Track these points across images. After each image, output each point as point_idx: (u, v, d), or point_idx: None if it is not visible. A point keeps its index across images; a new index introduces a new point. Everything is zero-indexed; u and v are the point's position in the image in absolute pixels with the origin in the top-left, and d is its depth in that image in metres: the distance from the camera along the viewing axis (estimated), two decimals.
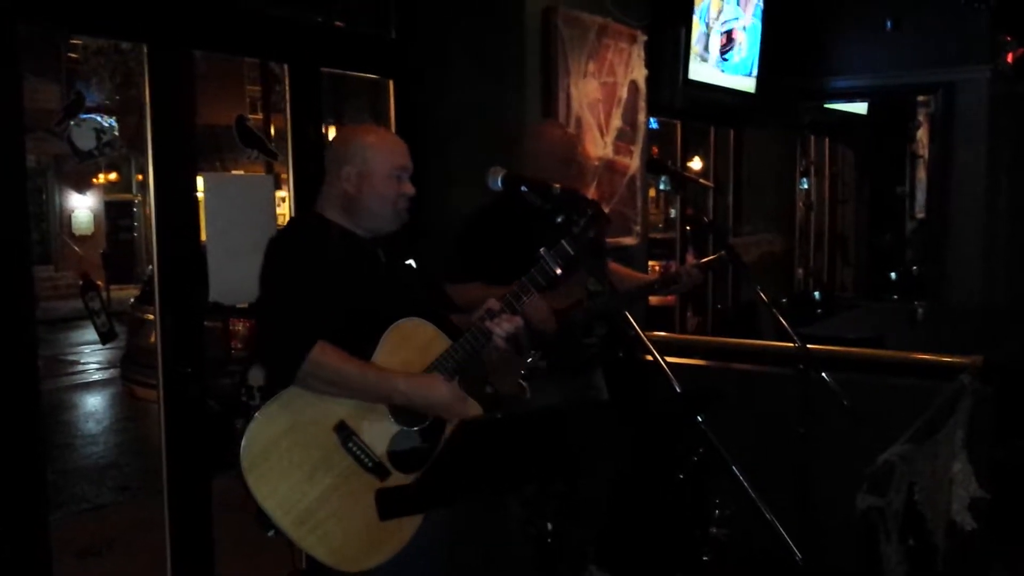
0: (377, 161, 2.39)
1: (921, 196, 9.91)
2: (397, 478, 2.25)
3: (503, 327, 2.30)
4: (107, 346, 11.33)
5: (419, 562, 2.30)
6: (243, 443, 2.18)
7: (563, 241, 2.31)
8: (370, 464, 2.24)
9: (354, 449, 2.23)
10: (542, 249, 2.32)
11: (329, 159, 2.47)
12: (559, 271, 2.33)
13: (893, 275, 9.49)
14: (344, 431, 2.23)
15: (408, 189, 2.43)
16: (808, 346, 3.13)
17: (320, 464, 2.21)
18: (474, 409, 2.33)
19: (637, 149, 5.12)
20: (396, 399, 2.26)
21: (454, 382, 2.30)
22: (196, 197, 3.47)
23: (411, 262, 2.52)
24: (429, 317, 2.37)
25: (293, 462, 2.20)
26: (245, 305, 2.45)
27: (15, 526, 2.97)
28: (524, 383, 3.11)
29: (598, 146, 4.78)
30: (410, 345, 2.32)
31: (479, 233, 3.42)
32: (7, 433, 2.95)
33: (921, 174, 9.94)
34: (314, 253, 2.33)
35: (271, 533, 2.19)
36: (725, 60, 6.31)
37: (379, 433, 2.26)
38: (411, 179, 2.47)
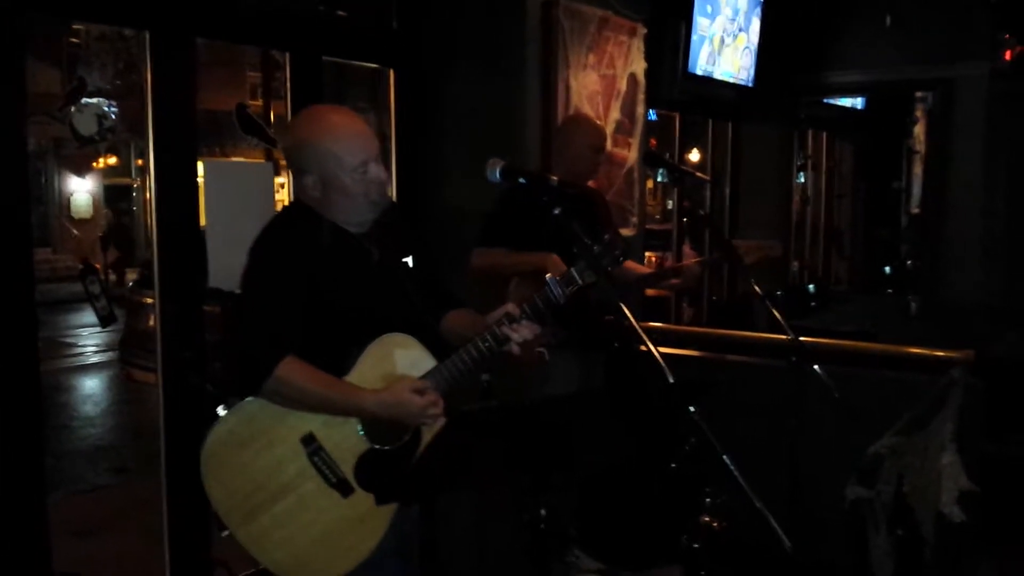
0: (336, 164, 2.19)
1: (917, 191, 9.95)
2: (360, 497, 2.16)
3: (521, 333, 2.17)
4: (106, 329, 11.38)
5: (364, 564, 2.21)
6: (205, 443, 2.12)
7: (572, 270, 2.21)
8: (334, 480, 2.15)
9: (319, 463, 2.15)
10: (547, 276, 2.25)
11: (289, 162, 2.28)
12: (563, 298, 2.21)
13: (887, 269, 9.54)
14: (311, 443, 2.15)
15: (377, 176, 2.23)
16: (801, 339, 3.17)
17: (281, 474, 2.14)
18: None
19: (635, 141, 5.15)
20: (364, 416, 2.17)
21: (426, 389, 2.16)
22: (196, 183, 3.49)
23: (408, 260, 2.42)
24: (417, 323, 2.27)
25: (254, 468, 2.14)
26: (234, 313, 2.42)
27: (15, 506, 2.99)
28: (543, 350, 3.16)
29: None
30: (390, 362, 2.21)
31: (510, 203, 3.49)
32: (7, 413, 2.97)
33: (917, 169, 9.97)
34: (298, 255, 2.20)
35: (225, 534, 2.15)
36: (723, 55, 6.32)
37: (348, 449, 2.17)
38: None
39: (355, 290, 2.25)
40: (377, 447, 2.19)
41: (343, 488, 2.16)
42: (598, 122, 4.18)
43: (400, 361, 2.22)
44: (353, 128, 2.24)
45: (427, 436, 2.22)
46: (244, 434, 2.15)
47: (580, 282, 2.20)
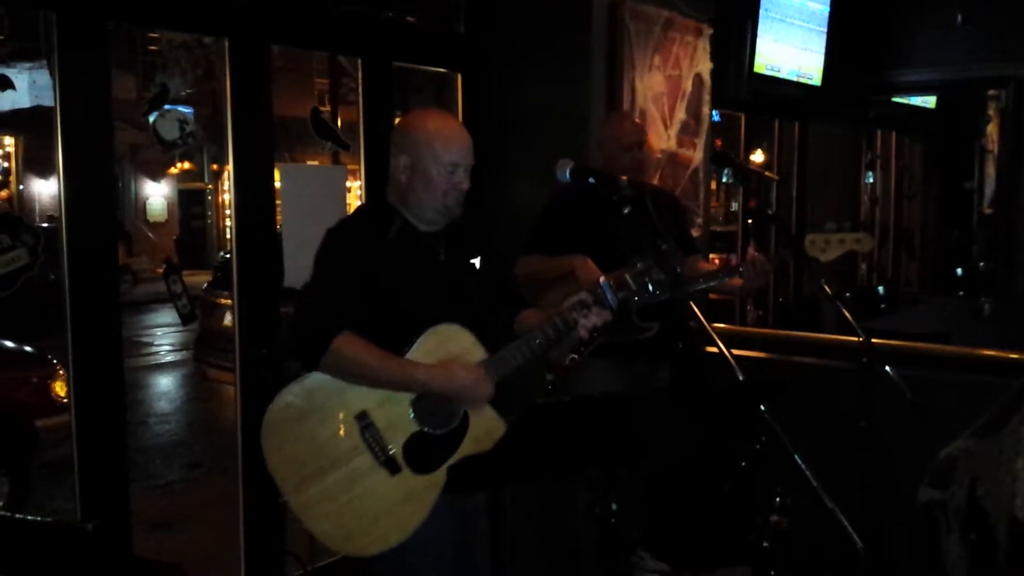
0: (430, 154, 2.33)
1: (989, 191, 9.72)
2: (407, 476, 2.26)
3: (591, 320, 2.27)
4: (180, 329, 11.69)
5: (424, 554, 2.31)
6: (266, 413, 2.27)
7: (627, 276, 2.28)
8: (383, 458, 2.25)
9: (370, 440, 2.25)
10: (601, 278, 2.31)
11: (391, 145, 2.44)
12: (615, 302, 2.30)
13: (959, 271, 9.31)
14: (364, 420, 2.25)
15: (460, 184, 2.35)
16: (872, 340, 3.15)
17: (335, 447, 2.25)
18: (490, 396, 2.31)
19: (700, 142, 5.13)
20: (415, 389, 2.27)
21: (475, 367, 2.27)
22: (273, 186, 3.59)
23: (475, 261, 2.49)
24: (473, 324, 2.35)
25: (310, 440, 2.25)
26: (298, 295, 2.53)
27: (102, 498, 3.12)
28: (575, 356, 3.16)
29: (661, 139, 4.80)
30: (444, 351, 2.30)
31: (557, 211, 3.55)
32: (96, 408, 3.10)
33: (990, 169, 9.75)
34: (364, 246, 2.33)
35: (282, 500, 2.27)
36: (790, 54, 6.26)
37: (398, 429, 2.27)
38: (475, 172, 2.45)
39: (417, 286, 2.35)
40: (426, 430, 2.29)
41: (391, 466, 2.26)
42: (632, 119, 3.99)
43: (452, 350, 2.32)
44: (459, 133, 2.43)
45: (475, 425, 2.31)
46: (303, 406, 2.27)
47: (633, 288, 2.27)
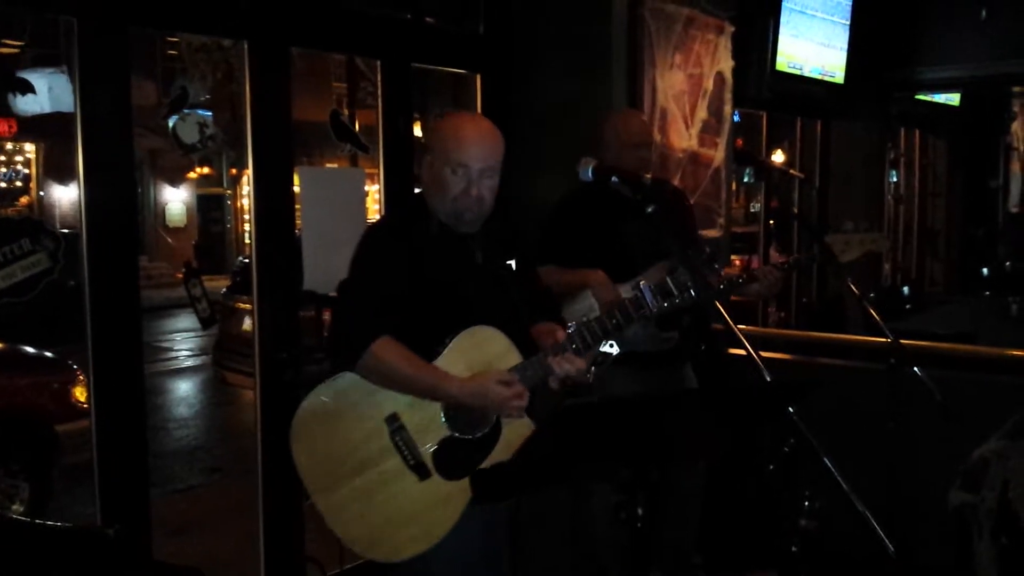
0: (442, 151, 2.29)
1: (1015, 189, 9.62)
2: (436, 482, 2.22)
3: (563, 367, 2.24)
4: (198, 334, 11.73)
5: (451, 565, 2.27)
6: (297, 412, 2.22)
7: (668, 280, 2.27)
8: (412, 462, 2.21)
9: (400, 443, 2.21)
10: (641, 282, 2.28)
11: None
12: (655, 309, 2.29)
13: (985, 270, 9.21)
14: (395, 422, 2.22)
15: (468, 191, 2.27)
16: (901, 341, 3.10)
17: (364, 449, 2.21)
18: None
19: (722, 141, 5.09)
20: (448, 401, 2.23)
21: (513, 382, 2.22)
22: (293, 189, 3.57)
23: (511, 263, 2.45)
24: (510, 326, 2.32)
25: (340, 441, 2.22)
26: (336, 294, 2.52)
27: (122, 502, 3.11)
28: (592, 369, 3.10)
29: (683, 137, 4.76)
30: (479, 353, 2.27)
31: (562, 218, 3.50)
32: (116, 413, 3.09)
33: (1015, 167, 9.65)
34: (401, 245, 2.30)
35: (308, 502, 2.25)
36: (812, 51, 6.20)
37: (429, 433, 2.24)
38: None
39: (453, 286, 2.32)
40: (457, 435, 2.25)
41: (420, 471, 2.22)
42: (640, 118, 3.83)
43: (487, 353, 2.28)
44: (474, 134, 2.31)
45: (507, 431, 2.27)
46: (333, 407, 2.24)
47: (676, 293, 2.25)
